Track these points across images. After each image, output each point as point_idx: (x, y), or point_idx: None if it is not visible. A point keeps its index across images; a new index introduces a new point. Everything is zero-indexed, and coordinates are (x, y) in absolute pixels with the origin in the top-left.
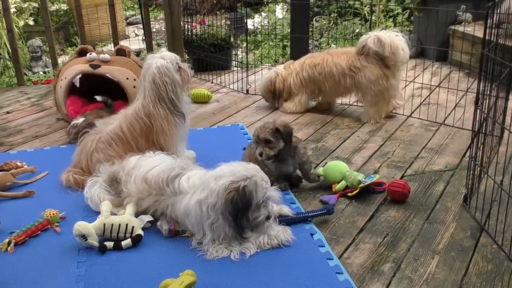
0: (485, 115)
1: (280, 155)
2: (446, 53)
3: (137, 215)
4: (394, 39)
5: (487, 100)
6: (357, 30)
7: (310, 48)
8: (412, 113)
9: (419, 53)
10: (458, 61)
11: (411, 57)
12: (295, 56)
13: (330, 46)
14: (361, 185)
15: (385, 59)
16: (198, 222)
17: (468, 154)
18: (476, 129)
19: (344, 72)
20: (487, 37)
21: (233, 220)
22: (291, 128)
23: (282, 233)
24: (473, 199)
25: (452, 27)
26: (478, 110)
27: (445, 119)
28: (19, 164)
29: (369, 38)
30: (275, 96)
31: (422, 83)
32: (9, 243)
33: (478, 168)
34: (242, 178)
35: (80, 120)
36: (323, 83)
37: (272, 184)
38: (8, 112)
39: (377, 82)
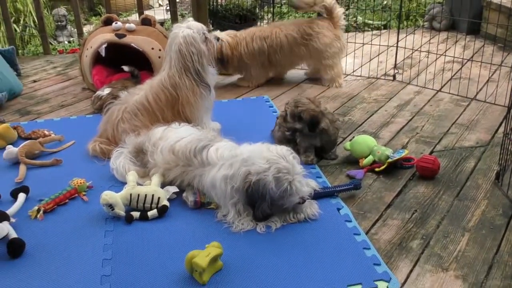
0: None
1: (316, 129)
2: (479, 26)
3: (163, 186)
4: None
5: None
6: (385, 2)
7: None
8: (442, 87)
9: (450, 26)
10: (492, 34)
11: (441, 30)
12: None
13: (356, 19)
14: (389, 160)
15: (333, 20)
16: (223, 197)
17: (500, 130)
18: (510, 104)
19: (297, 41)
20: None
21: (252, 208)
22: (318, 118)
23: (309, 207)
24: (506, 176)
25: None
26: None
27: (477, 94)
28: (46, 133)
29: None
30: (223, 62)
31: (453, 57)
32: (38, 210)
33: None
34: (261, 170)
35: (105, 91)
36: (274, 55)
37: (299, 156)
38: (35, 81)
39: (332, 45)
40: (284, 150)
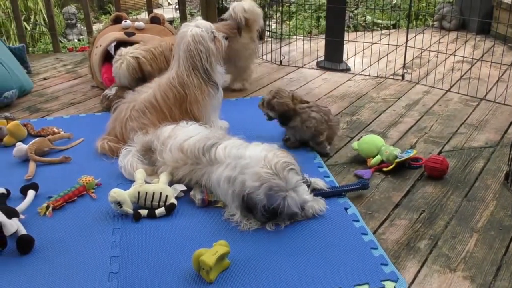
0: None
1: (287, 124)
2: (489, 26)
3: (171, 184)
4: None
5: None
6: (394, 1)
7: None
8: (451, 87)
9: (459, 26)
10: (502, 34)
11: (451, 30)
12: (331, 27)
13: (365, 18)
14: (397, 160)
15: (249, 22)
16: (227, 197)
17: (510, 130)
18: None
19: None
20: None
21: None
22: (288, 114)
23: (316, 203)
24: None
25: None
26: None
27: (486, 94)
28: (55, 130)
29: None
30: (144, 80)
31: (463, 56)
32: (47, 207)
33: None
34: (253, 188)
35: (112, 91)
36: None
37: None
38: (44, 79)
39: (248, 46)
40: (280, 163)
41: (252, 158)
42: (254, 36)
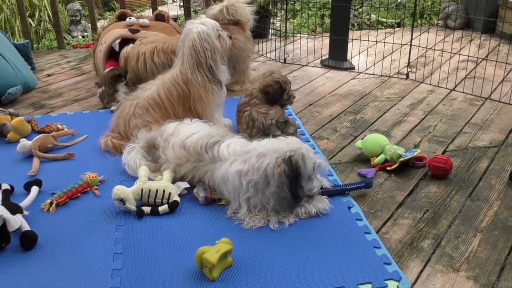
0: None
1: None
2: (494, 25)
3: (174, 181)
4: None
5: None
6: (399, 0)
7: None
8: (455, 86)
9: (465, 25)
10: (507, 33)
11: (456, 28)
12: (335, 25)
13: (370, 16)
14: (401, 159)
15: (240, 21)
16: (235, 192)
17: None
18: None
19: None
20: None
21: (291, 191)
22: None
23: (320, 202)
24: None
25: None
26: None
27: (491, 94)
28: (59, 126)
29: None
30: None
31: (468, 56)
32: (51, 203)
33: None
34: (293, 149)
35: (100, 89)
36: None
37: None
38: (49, 75)
39: (245, 47)
40: (297, 140)
41: (268, 147)
42: (248, 34)
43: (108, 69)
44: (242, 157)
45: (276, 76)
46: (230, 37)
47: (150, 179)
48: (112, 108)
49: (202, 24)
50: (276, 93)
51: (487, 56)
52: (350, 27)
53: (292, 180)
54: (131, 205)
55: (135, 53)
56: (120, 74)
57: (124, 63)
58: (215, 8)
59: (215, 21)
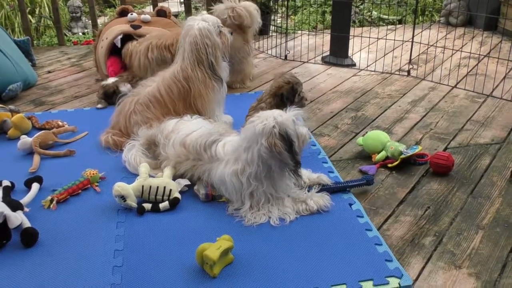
0: None
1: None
2: (496, 22)
3: (174, 178)
4: (250, 7)
5: None
6: None
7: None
8: (457, 83)
9: (466, 21)
10: (509, 30)
11: (458, 25)
12: (337, 22)
13: (371, 13)
14: (403, 156)
15: (242, 25)
16: (236, 191)
17: None
18: None
19: None
20: None
21: (290, 152)
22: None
23: (321, 198)
24: None
25: None
26: None
27: (493, 91)
28: (60, 123)
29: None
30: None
31: (470, 52)
32: (51, 200)
33: None
34: (270, 129)
35: (109, 81)
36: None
37: None
38: (49, 72)
39: (242, 48)
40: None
41: (247, 137)
42: (248, 38)
43: (102, 84)
44: (234, 155)
45: (288, 77)
46: (232, 34)
47: (150, 176)
48: (98, 105)
49: (203, 21)
50: (290, 95)
51: (489, 53)
52: (351, 23)
53: (289, 149)
54: (132, 202)
55: (137, 50)
56: (114, 91)
57: (129, 60)
58: (221, 6)
59: (218, 18)
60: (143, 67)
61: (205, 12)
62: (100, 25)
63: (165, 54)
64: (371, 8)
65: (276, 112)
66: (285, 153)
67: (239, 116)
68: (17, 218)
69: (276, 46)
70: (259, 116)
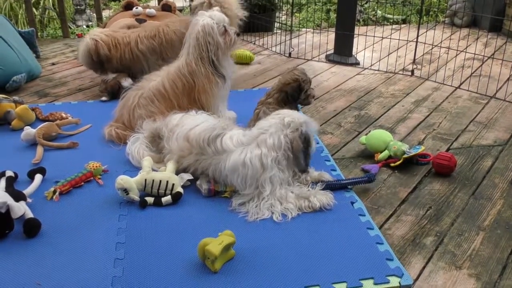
0: None
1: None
2: (501, 23)
3: (177, 172)
4: None
5: None
6: None
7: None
8: (460, 84)
9: (471, 22)
10: None
11: (462, 26)
12: (341, 20)
13: (375, 12)
14: (405, 155)
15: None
16: (252, 177)
17: None
18: None
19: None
20: None
21: (305, 153)
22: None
23: (324, 196)
24: None
25: None
26: None
27: (496, 92)
28: (64, 115)
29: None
30: (102, 64)
31: (474, 54)
32: (54, 191)
33: None
34: (296, 126)
35: (110, 76)
36: (165, 53)
37: None
38: (53, 64)
39: None
40: (290, 112)
41: (270, 125)
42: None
43: (103, 78)
44: (254, 143)
45: (297, 73)
46: (238, 35)
47: (153, 169)
48: (103, 98)
49: (210, 18)
50: (295, 93)
51: (493, 55)
52: (355, 22)
53: (305, 150)
54: (134, 195)
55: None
56: (119, 87)
57: (108, 51)
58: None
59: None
60: (136, 57)
61: (216, 8)
62: (105, 18)
63: (152, 43)
64: (375, 7)
65: (297, 114)
66: (302, 152)
67: (242, 112)
68: (20, 209)
69: (280, 43)
70: (287, 111)
